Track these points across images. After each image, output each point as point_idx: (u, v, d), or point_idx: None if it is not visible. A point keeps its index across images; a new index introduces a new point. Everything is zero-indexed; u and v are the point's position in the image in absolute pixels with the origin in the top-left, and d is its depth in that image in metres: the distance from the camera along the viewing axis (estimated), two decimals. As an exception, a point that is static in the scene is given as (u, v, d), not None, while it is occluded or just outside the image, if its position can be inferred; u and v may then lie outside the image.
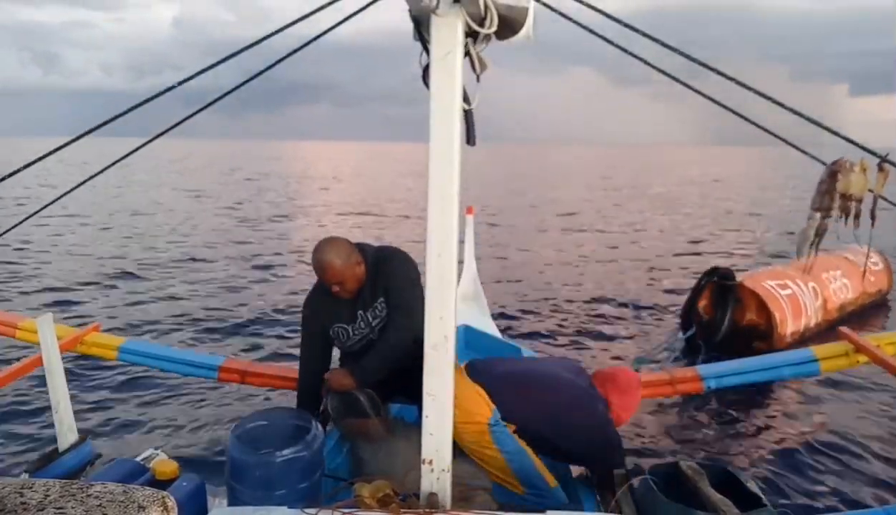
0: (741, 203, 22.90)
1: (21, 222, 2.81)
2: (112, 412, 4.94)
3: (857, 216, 2.16)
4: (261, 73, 2.17)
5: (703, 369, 3.30)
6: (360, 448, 2.62)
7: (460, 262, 2.06)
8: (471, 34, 1.76)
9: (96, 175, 2.56)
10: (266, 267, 10.54)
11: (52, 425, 2.71)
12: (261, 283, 9.42)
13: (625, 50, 2.21)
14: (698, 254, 12.15)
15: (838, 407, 5.05)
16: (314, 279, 2.71)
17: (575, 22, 2.10)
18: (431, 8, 1.68)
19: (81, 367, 5.46)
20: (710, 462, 2.32)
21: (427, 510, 1.84)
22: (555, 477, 2.40)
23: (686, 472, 2.16)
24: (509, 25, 1.81)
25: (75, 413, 2.78)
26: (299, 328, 2.89)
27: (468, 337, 4.31)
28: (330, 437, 2.71)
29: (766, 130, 2.44)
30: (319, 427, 2.30)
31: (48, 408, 2.73)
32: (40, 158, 2.32)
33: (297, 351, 2.93)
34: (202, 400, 5.10)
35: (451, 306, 1.85)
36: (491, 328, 4.85)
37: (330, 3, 2.09)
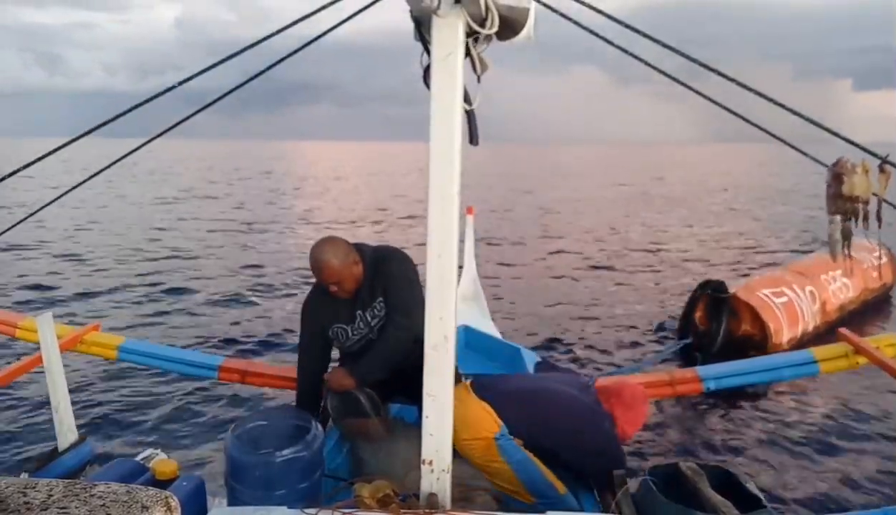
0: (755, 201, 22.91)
1: (19, 223, 2.80)
2: (112, 411, 4.94)
3: (865, 218, 2.16)
4: (261, 73, 2.16)
5: (702, 370, 3.30)
6: (360, 448, 2.63)
7: (460, 267, 2.07)
8: (472, 35, 1.76)
9: (95, 175, 2.56)
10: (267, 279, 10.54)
11: (51, 424, 2.71)
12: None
13: (625, 50, 2.21)
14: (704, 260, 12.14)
15: (838, 408, 5.05)
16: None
17: (575, 22, 2.10)
18: (432, 8, 1.68)
19: (81, 367, 5.45)
20: (710, 463, 2.32)
21: (427, 510, 1.85)
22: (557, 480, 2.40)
23: (686, 473, 2.15)
24: (510, 26, 1.81)
25: (75, 412, 2.78)
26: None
27: (468, 338, 4.31)
28: (330, 437, 2.71)
29: (765, 131, 2.44)
30: (319, 427, 2.30)
31: (48, 408, 2.72)
32: (40, 158, 2.32)
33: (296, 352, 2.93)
34: (202, 400, 5.10)
35: (451, 306, 1.85)
36: (491, 328, 4.85)
37: (331, 4, 2.09)
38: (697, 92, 2.27)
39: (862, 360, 3.10)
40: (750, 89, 2.13)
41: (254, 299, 8.46)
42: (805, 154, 2.41)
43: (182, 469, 2.31)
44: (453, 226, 1.81)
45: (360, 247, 2.70)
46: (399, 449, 2.44)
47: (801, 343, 6.47)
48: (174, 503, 0.91)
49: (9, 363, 3.39)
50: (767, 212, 19.27)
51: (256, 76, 2.19)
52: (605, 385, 2.72)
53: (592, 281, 9.87)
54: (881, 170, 2.15)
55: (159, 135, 2.33)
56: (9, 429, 4.60)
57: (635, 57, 2.20)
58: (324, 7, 2.11)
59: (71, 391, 2.77)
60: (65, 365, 2.76)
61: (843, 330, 3.27)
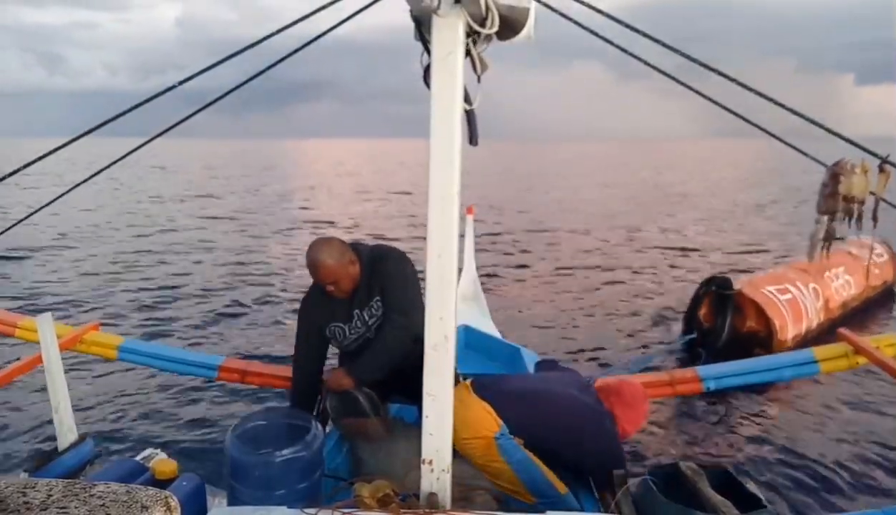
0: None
1: (19, 222, 2.81)
2: (111, 411, 4.94)
3: (859, 218, 2.16)
4: (262, 72, 2.17)
5: (702, 370, 3.30)
6: (360, 448, 2.62)
7: (460, 268, 2.07)
8: (472, 34, 1.76)
9: (96, 174, 2.56)
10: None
11: (51, 424, 2.71)
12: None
13: (625, 50, 2.21)
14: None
15: (838, 409, 5.05)
16: None
17: (575, 22, 2.10)
18: (432, 8, 1.68)
19: (81, 366, 5.45)
20: (710, 463, 2.31)
21: (427, 510, 1.84)
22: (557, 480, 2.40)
23: (686, 473, 2.15)
24: (510, 26, 1.81)
25: (75, 412, 2.78)
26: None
27: (468, 338, 4.31)
28: (329, 437, 2.71)
29: (765, 131, 2.45)
30: (319, 426, 2.30)
31: (48, 407, 2.72)
32: (41, 157, 2.32)
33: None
34: (202, 400, 5.10)
35: (451, 306, 1.85)
36: (491, 328, 4.85)
37: (330, 4, 2.09)
38: (697, 91, 2.27)
39: (862, 360, 3.10)
40: (749, 89, 2.13)
41: (256, 298, 8.45)
42: (805, 154, 2.42)
43: (182, 469, 2.31)
44: (453, 226, 1.81)
45: (356, 247, 2.70)
46: (399, 449, 2.44)
47: (805, 340, 6.50)
48: (174, 503, 0.91)
49: (8, 362, 3.39)
50: (771, 211, 19.25)
51: (257, 75, 2.19)
52: (605, 383, 2.72)
53: (596, 278, 9.85)
54: (881, 169, 2.15)
55: (161, 134, 2.33)
56: (9, 429, 4.60)
57: (635, 57, 2.20)
58: (323, 7, 2.11)
59: (71, 390, 2.77)
60: (64, 365, 2.75)
61: (843, 330, 3.27)
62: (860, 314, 7.60)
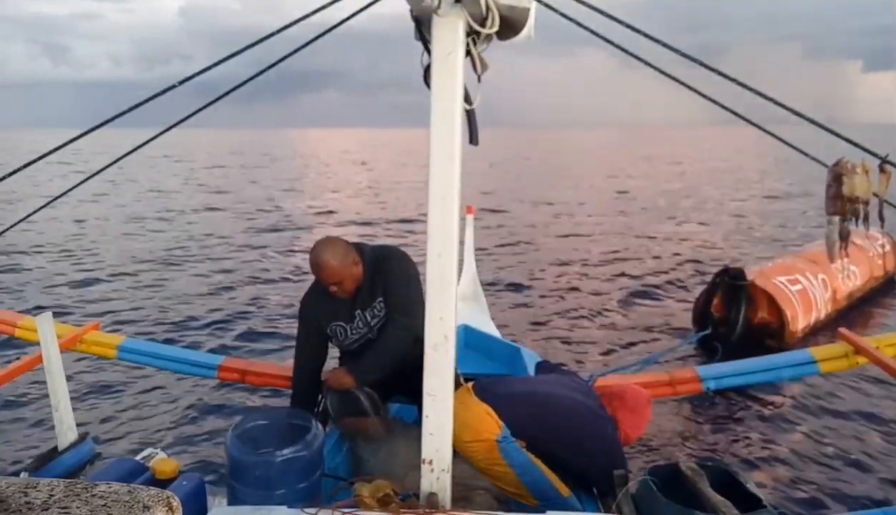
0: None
1: (28, 216, 2.81)
2: (111, 411, 4.93)
3: (865, 218, 2.17)
4: (271, 66, 2.17)
5: (702, 370, 3.31)
6: (360, 448, 2.63)
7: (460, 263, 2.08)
8: (472, 34, 1.76)
9: (109, 165, 2.56)
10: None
11: (51, 424, 2.72)
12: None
13: (625, 50, 2.21)
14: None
15: (838, 408, 5.05)
16: None
17: (576, 22, 2.10)
18: (433, 8, 1.68)
19: (81, 366, 5.45)
20: (710, 463, 2.31)
21: (427, 510, 1.85)
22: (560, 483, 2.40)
23: (686, 473, 2.16)
24: (510, 25, 1.81)
25: (75, 411, 2.78)
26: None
27: (468, 337, 4.30)
28: (330, 437, 2.71)
29: (766, 131, 2.45)
30: (319, 426, 2.30)
31: (48, 407, 2.73)
32: (58, 148, 2.33)
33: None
34: (202, 400, 5.10)
35: (451, 306, 1.85)
36: (491, 328, 4.85)
37: (332, 3, 2.09)
38: (697, 91, 2.28)
39: (862, 360, 3.11)
40: (749, 88, 2.13)
41: (256, 296, 8.45)
42: (805, 154, 2.42)
43: (182, 469, 2.31)
44: (453, 225, 1.82)
45: (359, 247, 2.70)
46: (399, 449, 2.44)
47: (814, 331, 6.57)
48: (175, 503, 0.91)
49: (8, 362, 3.39)
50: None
51: (269, 68, 2.19)
52: (607, 387, 2.71)
53: (602, 271, 9.82)
54: (881, 169, 2.15)
55: (174, 126, 2.34)
56: (9, 428, 4.60)
57: (635, 57, 2.21)
58: (326, 6, 2.12)
59: (71, 390, 2.77)
60: (65, 365, 2.76)
61: (843, 330, 3.27)
62: (864, 305, 7.67)
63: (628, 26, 2.00)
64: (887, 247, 8.48)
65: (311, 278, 2.72)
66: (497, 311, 6.87)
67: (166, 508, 0.88)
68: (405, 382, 2.43)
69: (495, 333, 4.69)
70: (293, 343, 2.92)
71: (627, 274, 9.83)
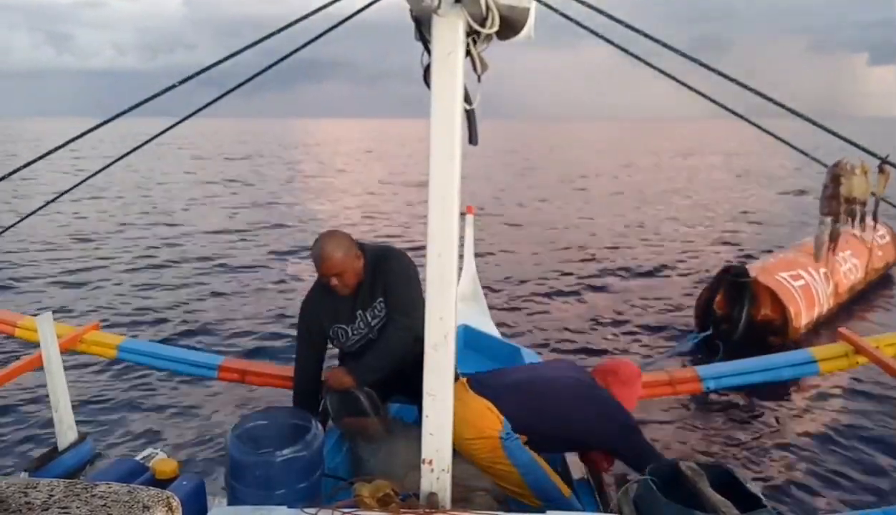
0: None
1: (40, 208, 2.82)
2: (111, 411, 4.93)
3: (861, 219, 2.17)
4: (282, 59, 2.18)
5: (702, 370, 3.30)
6: (360, 448, 2.63)
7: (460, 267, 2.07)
8: (472, 34, 1.76)
9: (125, 156, 2.56)
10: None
11: (51, 424, 2.71)
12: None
13: (625, 50, 2.21)
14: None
15: (838, 408, 5.05)
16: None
17: (576, 22, 2.10)
18: (433, 8, 1.68)
19: (81, 366, 5.45)
20: (710, 463, 2.31)
21: (427, 510, 1.85)
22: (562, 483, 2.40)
23: (686, 472, 2.15)
24: (510, 25, 1.81)
25: (75, 412, 2.78)
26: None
27: (468, 337, 4.31)
28: (330, 437, 2.71)
29: (765, 131, 2.45)
30: (319, 426, 2.30)
31: (48, 407, 2.73)
32: (75, 139, 2.33)
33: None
34: (202, 400, 5.10)
35: (451, 306, 1.85)
36: (491, 328, 4.85)
37: (333, 2, 2.10)
38: (697, 91, 2.28)
39: (862, 360, 3.11)
40: (749, 89, 2.13)
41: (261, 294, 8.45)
42: (805, 153, 2.42)
43: (182, 469, 2.31)
44: (453, 225, 1.82)
45: (361, 246, 2.71)
46: (399, 449, 2.44)
47: (816, 326, 6.58)
48: (175, 503, 0.91)
49: (8, 362, 3.39)
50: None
51: (278, 62, 2.20)
52: (600, 364, 2.74)
53: (602, 271, 9.81)
54: (880, 170, 2.16)
55: (188, 117, 2.35)
56: (9, 428, 4.60)
57: (635, 57, 2.21)
58: (327, 5, 2.12)
59: (70, 390, 2.77)
60: (64, 365, 2.76)
61: (843, 330, 3.27)
62: (864, 299, 7.69)
63: (628, 26, 2.01)
64: (887, 238, 8.51)
65: (311, 279, 2.72)
66: (496, 311, 6.88)
67: (166, 508, 0.88)
68: (405, 382, 2.43)
69: (495, 333, 4.69)
70: (293, 343, 2.92)
71: (628, 274, 9.83)
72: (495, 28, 1.73)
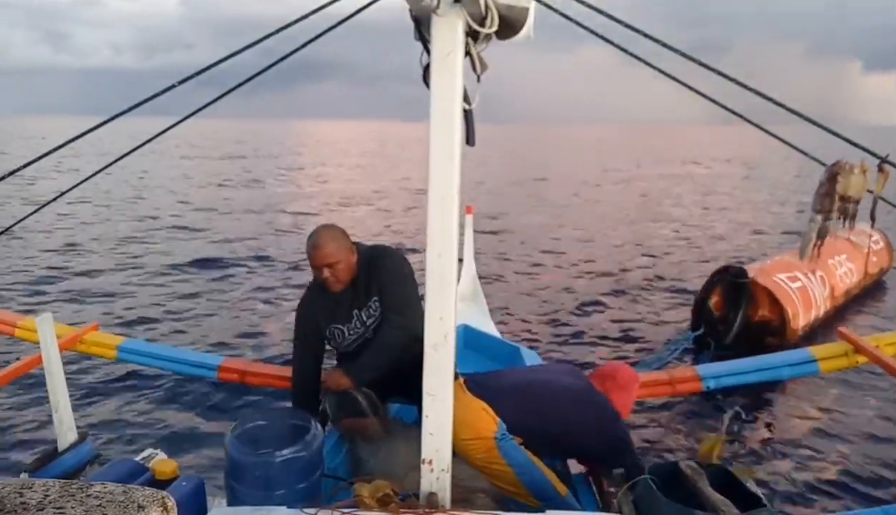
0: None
1: (38, 209, 2.82)
2: (111, 411, 4.94)
3: (853, 217, 2.17)
4: (282, 59, 2.18)
5: (702, 369, 3.31)
6: (359, 448, 2.63)
7: (459, 260, 2.07)
8: (471, 34, 1.76)
9: (125, 156, 2.56)
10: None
11: (51, 424, 2.71)
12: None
13: (625, 50, 2.21)
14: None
15: (838, 408, 5.05)
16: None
17: (576, 22, 2.10)
18: (432, 8, 1.68)
19: (81, 366, 5.46)
20: (710, 463, 2.31)
21: (427, 510, 1.84)
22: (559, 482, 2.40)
23: (686, 472, 2.15)
24: (510, 25, 1.81)
25: (75, 412, 2.78)
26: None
27: (468, 337, 4.31)
28: (329, 437, 2.71)
29: (766, 131, 2.45)
30: (319, 426, 2.30)
31: (48, 407, 2.72)
32: (64, 144, 2.33)
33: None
34: (201, 400, 5.10)
35: (451, 306, 1.85)
36: (490, 328, 4.85)
37: (333, 2, 2.10)
38: (697, 91, 2.27)
39: (862, 359, 3.11)
40: (749, 88, 2.13)
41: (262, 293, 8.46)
42: (805, 153, 2.42)
43: (182, 469, 2.31)
44: (453, 225, 1.81)
45: (356, 244, 2.71)
46: (398, 449, 2.44)
47: (813, 328, 6.59)
48: (170, 503, 0.91)
49: (8, 362, 3.39)
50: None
51: (278, 62, 2.20)
52: (598, 368, 2.74)
53: (602, 271, 9.81)
54: (880, 169, 2.16)
55: (187, 118, 2.34)
56: (9, 429, 4.61)
57: (635, 57, 2.20)
58: (327, 5, 2.12)
59: (70, 390, 2.77)
60: (64, 365, 2.75)
61: (843, 329, 3.27)
62: (859, 302, 7.75)
63: (628, 26, 2.00)
64: (881, 244, 8.56)
65: (309, 280, 2.73)
66: (495, 311, 6.88)
67: (161, 508, 0.88)
68: (404, 382, 2.42)
69: (495, 333, 4.69)
70: (293, 343, 2.92)
71: (628, 274, 9.83)
72: (495, 28, 1.73)
